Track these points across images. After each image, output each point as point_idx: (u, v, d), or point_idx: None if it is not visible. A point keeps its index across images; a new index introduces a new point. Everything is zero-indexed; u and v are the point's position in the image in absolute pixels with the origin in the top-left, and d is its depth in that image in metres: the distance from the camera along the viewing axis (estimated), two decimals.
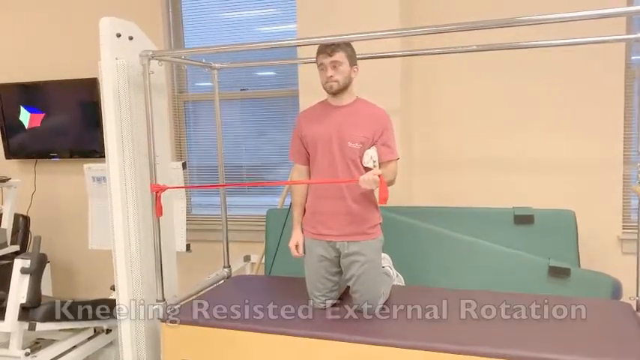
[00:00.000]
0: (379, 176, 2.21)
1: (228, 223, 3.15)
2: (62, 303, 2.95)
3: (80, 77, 4.16)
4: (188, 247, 3.54)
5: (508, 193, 3.39)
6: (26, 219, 4.16)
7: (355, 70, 2.44)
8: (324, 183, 2.44)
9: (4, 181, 3.82)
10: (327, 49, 2.36)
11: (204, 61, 3.00)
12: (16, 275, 2.80)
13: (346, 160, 2.40)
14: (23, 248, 4.08)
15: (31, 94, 4.29)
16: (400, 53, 3.03)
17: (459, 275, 2.99)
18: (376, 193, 2.29)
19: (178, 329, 2.49)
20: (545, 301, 2.52)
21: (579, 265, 2.96)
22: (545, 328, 2.21)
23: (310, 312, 2.48)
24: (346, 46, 2.39)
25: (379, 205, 2.41)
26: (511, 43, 2.86)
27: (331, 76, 2.38)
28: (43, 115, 4.21)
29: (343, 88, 2.42)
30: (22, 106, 4.16)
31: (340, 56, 2.37)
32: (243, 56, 3.83)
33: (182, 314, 2.53)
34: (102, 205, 3.61)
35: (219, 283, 3.02)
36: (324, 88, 2.45)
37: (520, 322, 2.29)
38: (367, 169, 2.38)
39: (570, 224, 2.98)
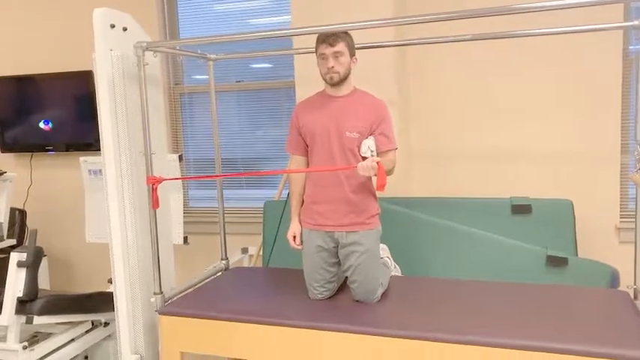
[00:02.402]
0: (377, 163, 2.20)
1: (226, 215, 3.14)
2: (59, 296, 2.94)
3: (74, 70, 4.13)
4: (186, 239, 3.53)
5: (505, 183, 3.38)
6: (22, 213, 4.15)
7: (354, 60, 2.44)
8: (322, 171, 2.43)
9: None
10: (328, 39, 2.34)
11: (199, 52, 2.98)
12: (12, 269, 2.79)
13: (344, 150, 2.40)
14: (20, 242, 4.07)
15: (26, 87, 4.26)
16: (396, 43, 3.01)
17: (456, 265, 2.99)
18: (374, 182, 2.28)
19: (176, 321, 2.48)
20: (543, 290, 2.52)
21: (577, 255, 2.97)
22: (543, 318, 2.21)
23: (308, 303, 2.48)
24: (346, 35, 2.38)
25: (377, 192, 2.41)
26: (507, 32, 2.85)
27: (332, 67, 2.36)
28: (50, 126, 4.24)
29: (343, 79, 2.41)
30: (42, 121, 4.23)
31: (342, 46, 2.35)
32: (239, 48, 3.81)
33: (180, 306, 2.53)
34: (98, 198, 3.60)
35: (217, 275, 3.01)
36: (324, 79, 2.43)
37: (518, 311, 2.29)
38: (365, 160, 2.37)
39: (568, 214, 2.98)
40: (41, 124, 4.19)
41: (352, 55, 2.41)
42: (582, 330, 2.08)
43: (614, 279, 2.80)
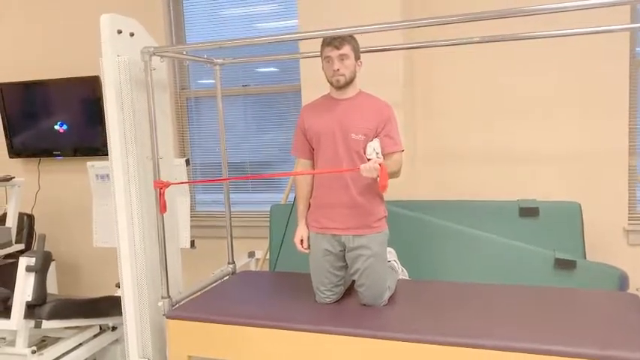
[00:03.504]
0: (380, 164, 2.20)
1: (233, 219, 3.14)
2: (68, 300, 2.95)
3: (82, 75, 4.16)
4: (192, 243, 3.54)
5: (513, 186, 3.37)
6: (31, 218, 4.17)
7: (359, 63, 2.44)
8: (326, 173, 2.43)
9: (7, 180, 3.82)
10: (334, 41, 2.35)
11: (206, 56, 2.99)
12: (21, 273, 2.80)
13: (350, 152, 2.40)
14: (28, 247, 4.08)
15: (34, 92, 4.28)
16: (402, 46, 3.01)
17: (464, 268, 2.98)
18: None
19: (184, 325, 2.48)
20: (552, 293, 2.51)
21: (585, 257, 2.95)
22: (552, 321, 2.19)
23: (315, 307, 2.47)
24: (352, 39, 2.39)
25: (383, 195, 2.40)
26: (514, 34, 2.84)
27: (338, 70, 2.37)
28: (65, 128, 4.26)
29: (349, 82, 2.42)
30: (59, 122, 4.26)
31: (347, 49, 2.36)
32: (245, 52, 3.81)
33: (187, 310, 2.53)
34: (106, 203, 3.61)
35: (224, 279, 3.02)
36: (330, 82, 2.44)
37: (527, 314, 2.28)
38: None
39: (576, 216, 2.97)
40: (56, 126, 4.21)
41: (357, 58, 2.42)
42: (592, 333, 2.06)
43: (622, 282, 2.78)
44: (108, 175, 3.53)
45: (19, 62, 4.42)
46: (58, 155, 4.32)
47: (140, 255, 2.61)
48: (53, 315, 2.84)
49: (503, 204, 3.09)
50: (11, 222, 3.92)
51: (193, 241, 3.55)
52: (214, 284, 2.91)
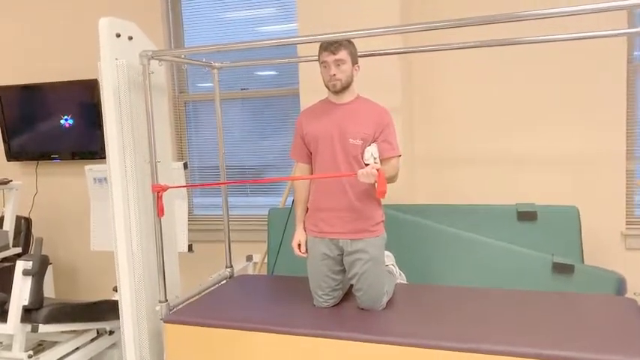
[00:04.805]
0: (377, 170, 2.20)
1: (230, 223, 3.13)
2: (65, 304, 2.95)
3: (80, 78, 4.16)
4: (190, 247, 3.53)
5: (511, 190, 3.37)
6: (28, 221, 4.16)
7: (357, 68, 2.44)
8: (323, 178, 2.43)
9: (5, 183, 3.82)
10: (330, 46, 2.35)
11: (204, 60, 2.99)
12: (18, 277, 2.79)
13: (348, 157, 2.40)
14: (25, 250, 4.08)
15: (32, 96, 4.28)
16: (400, 50, 3.02)
17: (462, 273, 2.98)
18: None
19: (181, 330, 2.48)
20: (550, 297, 2.51)
21: (583, 262, 2.95)
22: (550, 325, 2.19)
23: (313, 311, 2.47)
24: (349, 44, 2.39)
25: (381, 199, 2.40)
26: (511, 39, 2.85)
27: (334, 75, 2.37)
28: (71, 123, 4.25)
29: (346, 87, 2.42)
30: (64, 117, 4.25)
31: (344, 54, 2.36)
32: (244, 56, 3.82)
33: (185, 315, 2.52)
34: (103, 207, 3.60)
35: (222, 283, 3.01)
36: (327, 87, 2.44)
37: (525, 319, 2.27)
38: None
39: (574, 220, 2.97)
40: (62, 121, 4.21)
41: (355, 62, 2.42)
42: (591, 338, 2.06)
43: (620, 286, 2.78)
44: (106, 179, 3.53)
45: (18, 65, 4.42)
46: (56, 158, 4.31)
47: (138, 259, 2.61)
48: (50, 319, 2.83)
49: (502, 208, 3.09)
50: (8, 225, 3.91)
51: (191, 244, 3.55)
52: (212, 288, 2.90)
